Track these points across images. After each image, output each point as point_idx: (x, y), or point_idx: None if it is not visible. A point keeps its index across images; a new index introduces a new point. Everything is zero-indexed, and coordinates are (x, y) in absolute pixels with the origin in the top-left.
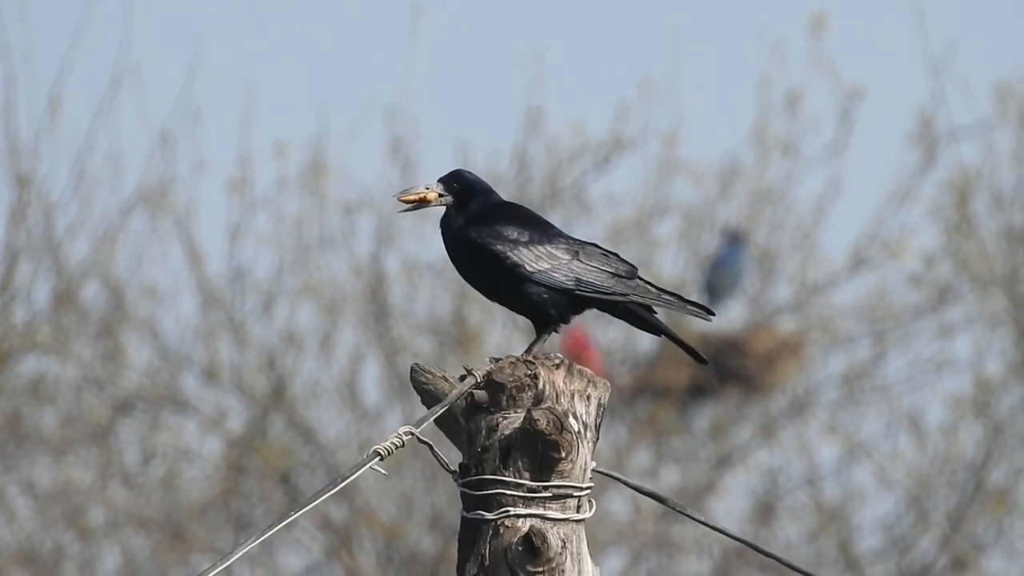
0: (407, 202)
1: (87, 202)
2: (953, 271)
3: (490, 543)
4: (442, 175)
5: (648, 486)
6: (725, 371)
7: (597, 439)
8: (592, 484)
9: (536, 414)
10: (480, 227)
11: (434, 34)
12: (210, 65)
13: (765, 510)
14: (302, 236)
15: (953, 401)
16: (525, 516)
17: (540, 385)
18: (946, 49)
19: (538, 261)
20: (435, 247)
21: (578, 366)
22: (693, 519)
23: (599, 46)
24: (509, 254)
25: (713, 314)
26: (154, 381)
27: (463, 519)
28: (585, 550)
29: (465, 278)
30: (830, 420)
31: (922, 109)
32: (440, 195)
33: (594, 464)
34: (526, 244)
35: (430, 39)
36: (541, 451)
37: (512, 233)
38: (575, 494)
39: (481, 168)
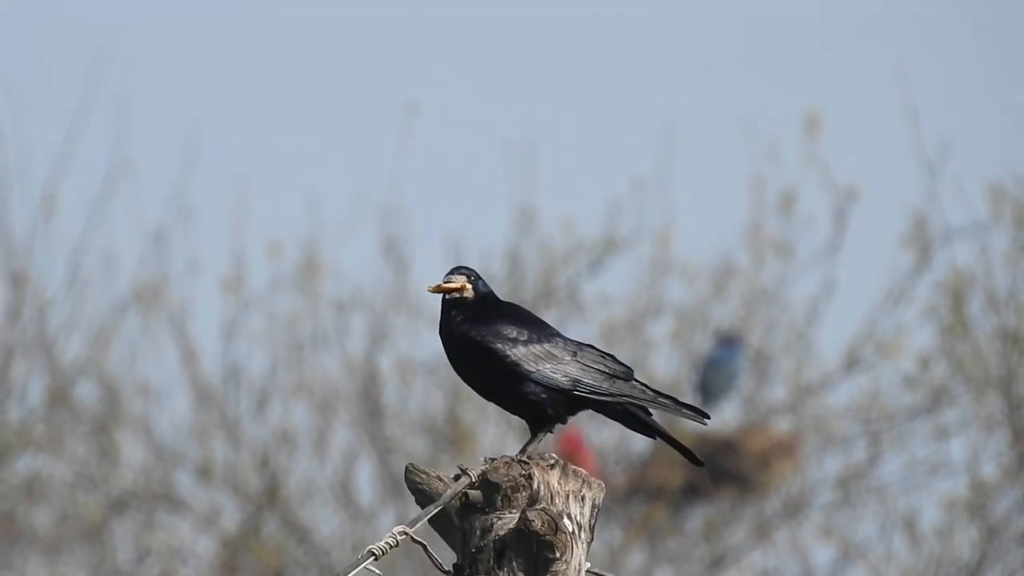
0: (446, 291)
1: (81, 300)
2: (948, 372)
3: None
4: (453, 269)
5: None
6: (719, 471)
7: (592, 539)
8: None
9: (531, 515)
10: (479, 326)
11: (426, 130)
12: (203, 162)
13: None
14: (295, 334)
15: (948, 503)
16: None
17: (535, 485)
18: (940, 149)
19: (537, 360)
20: (429, 345)
21: (573, 466)
22: None
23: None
24: (508, 353)
25: (708, 417)
26: (148, 479)
27: None
28: None
29: (461, 376)
30: (825, 521)
31: (916, 209)
32: (476, 290)
33: (588, 565)
34: (525, 343)
35: (422, 135)
36: (536, 551)
37: (511, 332)
38: None
39: (474, 266)
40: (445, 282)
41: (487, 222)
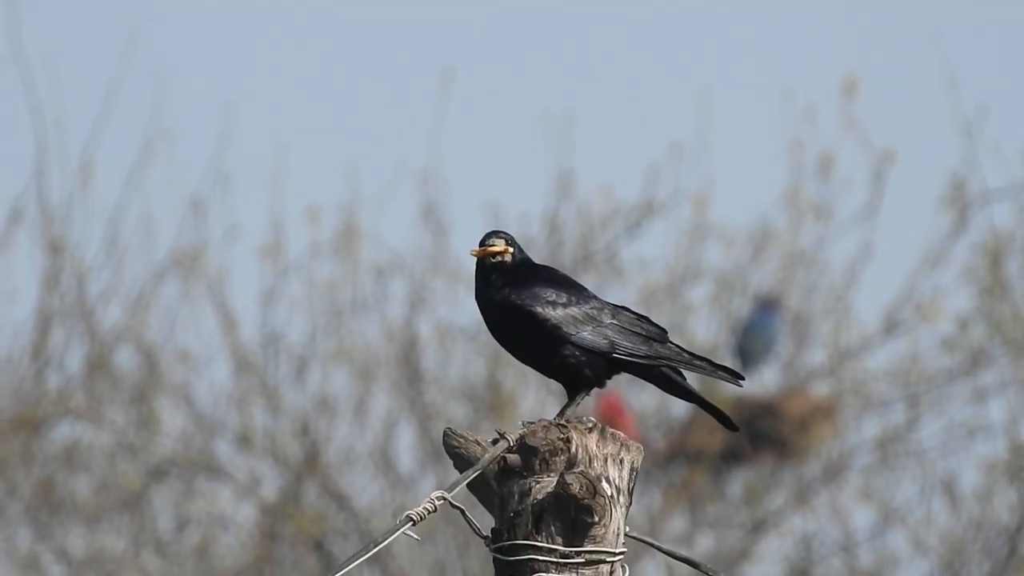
0: (491, 254)
1: (119, 267)
2: (987, 334)
3: None
4: (493, 233)
5: (682, 552)
6: (759, 436)
7: (630, 504)
8: (625, 549)
9: (569, 478)
10: (519, 289)
11: (464, 97)
12: (241, 130)
13: None
14: (335, 301)
15: (987, 466)
16: None
17: (573, 449)
18: (978, 112)
19: (576, 323)
20: (468, 311)
21: (611, 430)
22: None
23: (629, 108)
24: (548, 316)
25: (743, 379)
26: (188, 447)
27: None
28: None
29: (499, 340)
30: (864, 485)
31: (954, 172)
32: (513, 255)
33: (627, 529)
34: (564, 306)
35: (460, 102)
36: (574, 516)
37: (550, 295)
38: (608, 559)
39: (513, 232)
40: (489, 245)
41: (525, 187)
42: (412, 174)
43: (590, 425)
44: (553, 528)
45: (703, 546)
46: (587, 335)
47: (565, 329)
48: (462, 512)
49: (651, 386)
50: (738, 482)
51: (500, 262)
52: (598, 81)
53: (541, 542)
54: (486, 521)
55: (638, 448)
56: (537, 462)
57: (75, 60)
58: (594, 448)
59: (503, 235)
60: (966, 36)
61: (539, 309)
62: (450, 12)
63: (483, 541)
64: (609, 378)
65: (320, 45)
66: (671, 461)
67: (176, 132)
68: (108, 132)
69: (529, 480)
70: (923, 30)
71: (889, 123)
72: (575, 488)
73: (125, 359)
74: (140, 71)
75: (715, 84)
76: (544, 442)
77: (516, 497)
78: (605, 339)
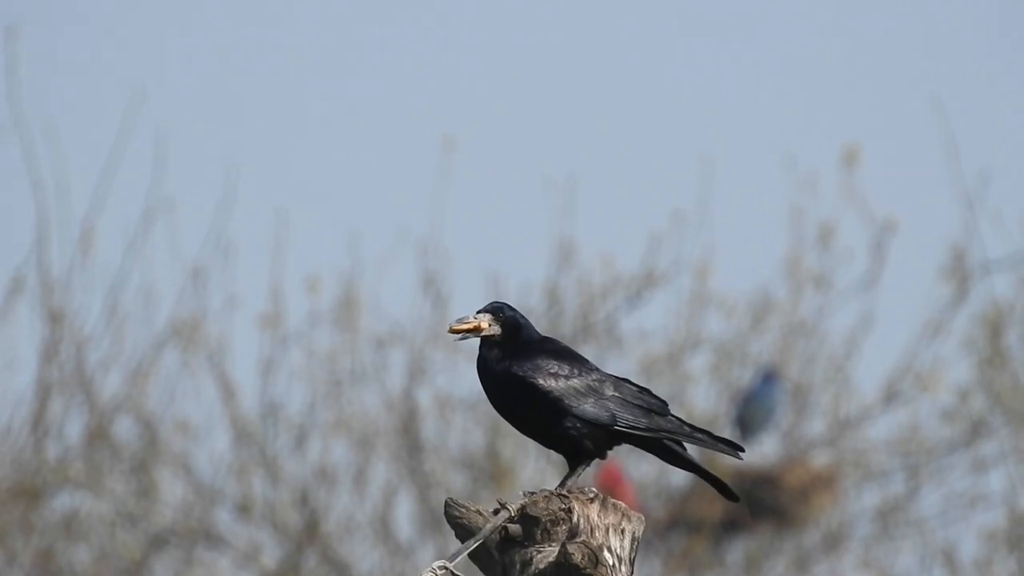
0: (459, 331)
1: (119, 336)
2: (986, 405)
3: None
4: (483, 307)
5: None
6: (759, 505)
7: (632, 573)
8: None
9: (571, 548)
10: (521, 362)
11: (465, 165)
12: (242, 198)
13: None
14: (334, 371)
15: (987, 535)
16: None
17: (575, 519)
18: (979, 182)
19: (578, 396)
20: (467, 381)
21: (612, 500)
22: None
23: (631, 175)
24: (550, 388)
25: (743, 451)
26: (188, 516)
27: None
28: None
29: (500, 412)
30: (864, 554)
31: (955, 242)
32: (490, 325)
33: None
34: (566, 378)
35: (461, 170)
36: None
37: (552, 367)
38: None
39: (513, 302)
40: (459, 322)
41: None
42: (412, 243)
43: (592, 495)
44: None
45: None
46: (589, 407)
47: (567, 401)
48: None
49: (650, 456)
50: (738, 550)
51: (491, 335)
52: (599, 148)
53: None
54: None
55: (639, 518)
56: (539, 532)
57: (76, 129)
58: (596, 518)
59: (494, 306)
60: (967, 104)
61: (541, 381)
62: (452, 80)
63: None
64: (610, 449)
65: (321, 112)
66: (671, 530)
67: (177, 200)
68: (109, 200)
69: (531, 549)
70: (924, 97)
71: (890, 192)
72: (577, 558)
73: (124, 429)
74: (141, 139)
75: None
76: (546, 512)
77: (518, 566)
78: (607, 411)
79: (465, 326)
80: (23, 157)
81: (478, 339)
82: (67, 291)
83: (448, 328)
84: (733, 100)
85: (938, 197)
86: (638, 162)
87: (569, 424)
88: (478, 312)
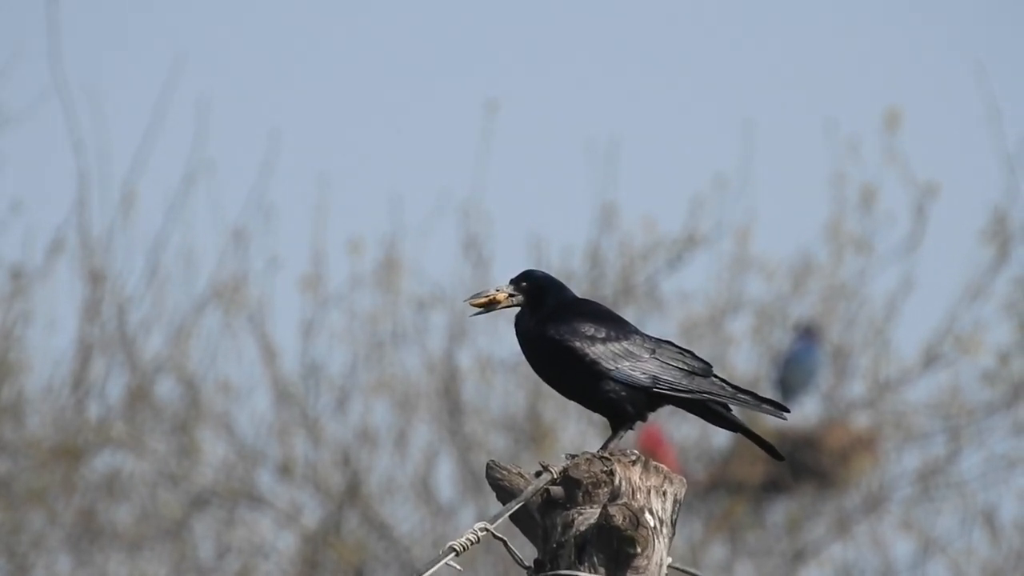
0: (477, 305)
1: (160, 297)
2: None
3: None
4: (514, 276)
5: None
6: (800, 467)
7: (673, 535)
8: None
9: (612, 510)
10: (557, 324)
11: (507, 129)
12: (284, 160)
13: None
14: (376, 332)
15: None
16: None
17: (616, 481)
18: (1020, 145)
19: (616, 358)
20: (508, 343)
21: (654, 462)
22: None
23: (672, 140)
24: (587, 351)
25: (788, 411)
26: (229, 477)
27: None
28: None
29: (540, 376)
30: (905, 516)
31: (996, 205)
32: (510, 295)
33: (670, 560)
34: (603, 341)
35: (504, 134)
36: (617, 547)
37: (589, 330)
38: None
39: (554, 265)
40: (475, 297)
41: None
42: (454, 206)
43: (633, 458)
44: (596, 559)
45: (743, 575)
46: (627, 370)
47: (604, 364)
48: (504, 543)
49: (692, 418)
50: (779, 512)
51: (509, 306)
52: (642, 113)
53: (584, 573)
54: (527, 552)
55: (681, 481)
56: (580, 494)
57: (118, 91)
58: (637, 480)
59: (517, 276)
60: (1009, 69)
61: (578, 344)
62: (494, 43)
63: (525, 572)
64: (652, 411)
65: (364, 76)
66: (712, 492)
67: (218, 162)
68: (150, 162)
69: (572, 512)
70: (966, 62)
71: (932, 156)
72: (618, 520)
73: (166, 389)
74: (183, 101)
75: (759, 116)
76: (587, 474)
77: (559, 528)
78: (645, 374)
79: (481, 300)
80: (65, 119)
81: (500, 311)
82: (108, 252)
83: (466, 302)
84: (776, 64)
85: (980, 160)
86: (680, 126)
87: (608, 387)
88: (510, 281)
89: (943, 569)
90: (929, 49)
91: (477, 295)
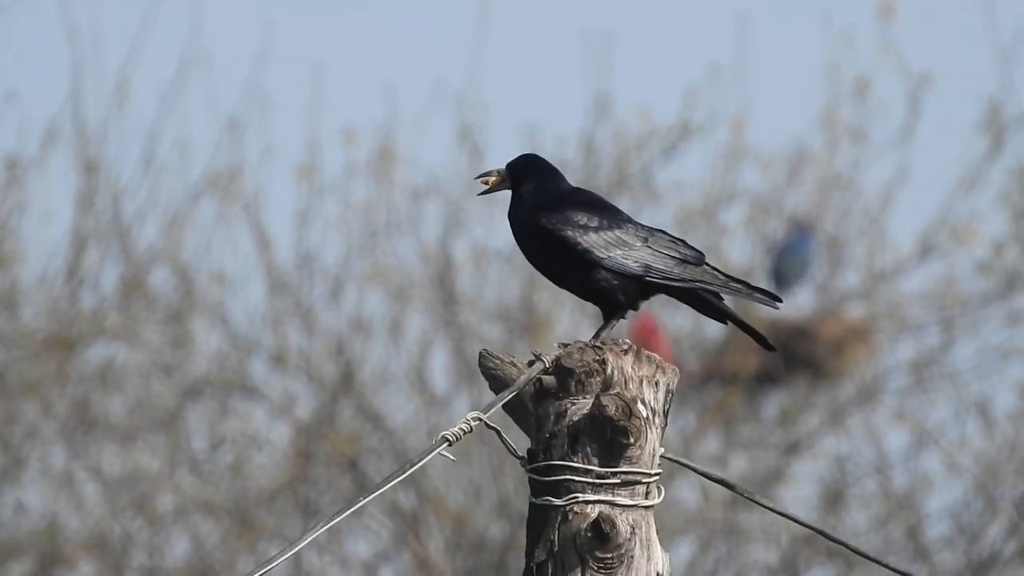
0: (485, 184)
1: (155, 188)
2: (1021, 258)
3: (559, 529)
4: (511, 159)
5: (716, 473)
6: (793, 358)
7: (665, 425)
8: (660, 470)
9: (604, 400)
10: (550, 213)
11: (502, 18)
12: (278, 51)
13: (833, 497)
14: (370, 222)
15: (1021, 388)
16: (594, 502)
17: (608, 371)
18: (1015, 36)
19: (608, 247)
20: (503, 233)
21: (647, 352)
22: (761, 506)
23: (667, 30)
24: (579, 240)
25: (780, 301)
26: (222, 367)
27: (531, 505)
28: (654, 536)
29: (533, 265)
30: (899, 407)
31: (990, 96)
32: (501, 177)
33: (662, 450)
34: (596, 230)
35: (498, 24)
36: (609, 437)
37: (582, 219)
38: (643, 480)
39: (549, 154)
40: (482, 177)
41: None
42: (449, 96)
43: (625, 347)
44: (589, 449)
45: (737, 467)
46: (619, 258)
47: (597, 253)
48: (498, 433)
49: (685, 308)
50: (772, 404)
51: (500, 188)
52: (637, 2)
53: (577, 463)
54: (521, 442)
55: (674, 370)
56: (573, 384)
57: None
58: (630, 370)
59: (509, 164)
60: None
61: (570, 232)
62: None
63: (519, 462)
64: (644, 301)
65: None
66: (705, 383)
67: (213, 53)
68: (145, 53)
69: (565, 401)
70: None
71: (926, 47)
72: (611, 409)
73: (160, 279)
74: None
75: (753, 6)
76: (580, 364)
77: (552, 418)
78: (638, 263)
79: (492, 179)
80: (59, 9)
81: (500, 192)
82: (103, 142)
83: (476, 180)
84: None
85: (974, 51)
86: (675, 17)
87: (599, 276)
88: (507, 165)
89: (937, 460)
90: None
91: (485, 174)
